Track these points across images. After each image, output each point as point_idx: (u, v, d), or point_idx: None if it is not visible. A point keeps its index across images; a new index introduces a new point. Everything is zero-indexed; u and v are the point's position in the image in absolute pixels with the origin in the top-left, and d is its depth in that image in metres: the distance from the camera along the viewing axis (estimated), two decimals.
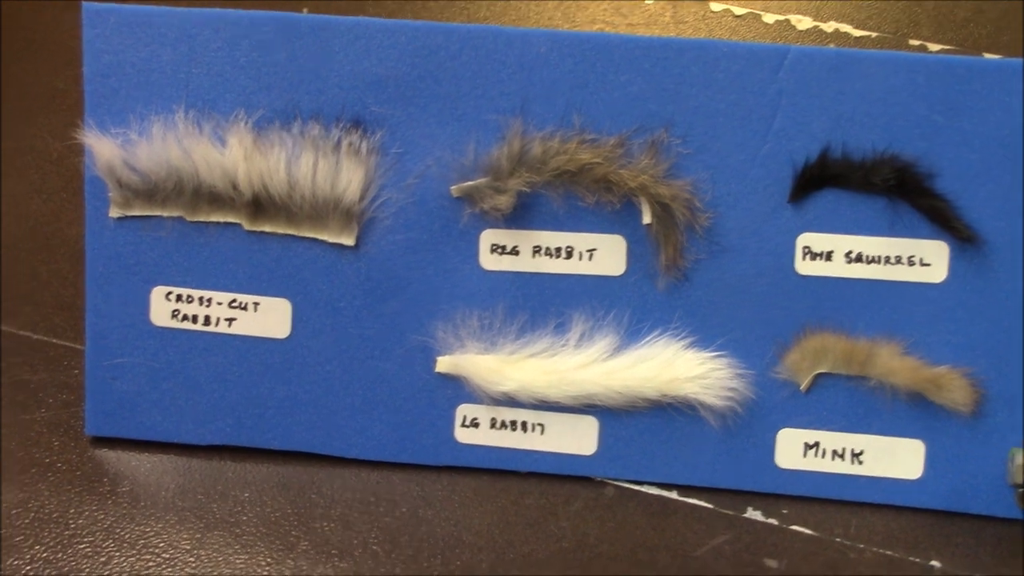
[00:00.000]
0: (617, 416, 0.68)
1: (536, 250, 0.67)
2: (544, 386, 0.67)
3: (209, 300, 0.69)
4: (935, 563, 0.64)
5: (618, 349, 0.68)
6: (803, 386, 0.67)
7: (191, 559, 0.62)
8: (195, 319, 0.69)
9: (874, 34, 0.79)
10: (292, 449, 0.70)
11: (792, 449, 0.68)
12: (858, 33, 0.79)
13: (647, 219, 0.66)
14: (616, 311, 0.68)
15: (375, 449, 0.70)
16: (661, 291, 0.67)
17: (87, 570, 0.61)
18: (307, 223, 0.68)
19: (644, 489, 0.69)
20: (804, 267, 0.66)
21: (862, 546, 0.65)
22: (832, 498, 0.68)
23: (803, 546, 0.65)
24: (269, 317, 0.69)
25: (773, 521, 0.66)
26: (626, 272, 0.67)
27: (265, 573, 0.61)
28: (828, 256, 0.66)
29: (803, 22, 0.80)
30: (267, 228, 0.68)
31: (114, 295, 0.69)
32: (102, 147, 0.67)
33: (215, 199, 0.68)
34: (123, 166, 0.68)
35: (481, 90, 0.66)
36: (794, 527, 0.66)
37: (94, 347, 0.70)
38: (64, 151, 0.83)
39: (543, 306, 0.68)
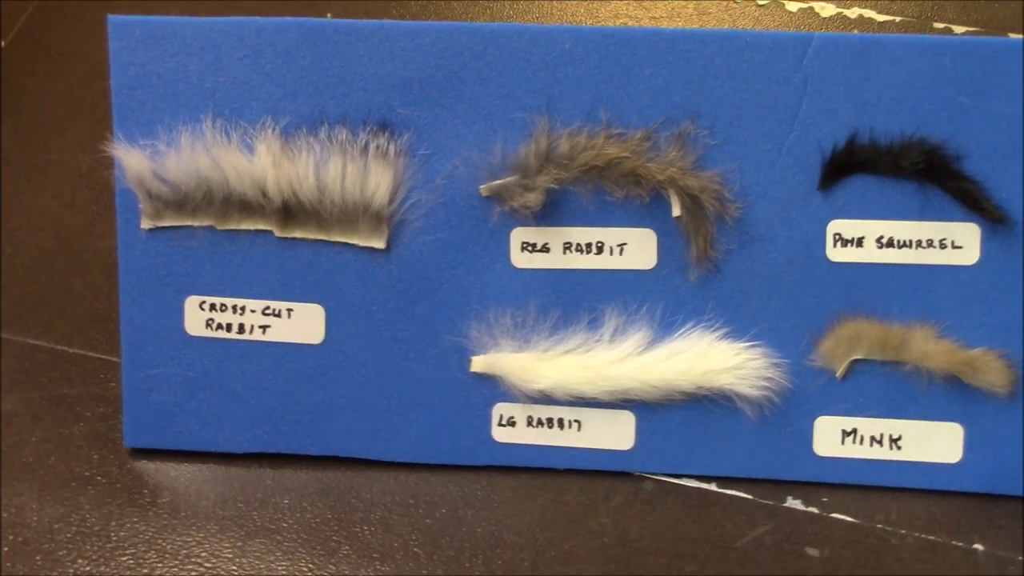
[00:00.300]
0: (653, 410, 0.68)
1: (567, 246, 0.67)
2: (580, 382, 0.67)
3: (242, 308, 0.69)
4: (978, 546, 0.63)
5: (652, 343, 0.68)
6: (839, 373, 0.67)
7: (233, 567, 0.62)
8: (229, 328, 0.69)
9: (898, 18, 0.78)
10: (330, 454, 0.70)
11: (830, 437, 0.67)
12: (882, 18, 0.78)
13: (676, 211, 0.66)
14: (648, 304, 0.68)
15: (413, 451, 0.70)
16: (693, 283, 0.67)
17: None
18: (337, 228, 0.68)
19: (683, 482, 0.69)
20: (835, 254, 0.66)
21: (904, 532, 0.64)
22: (872, 484, 0.68)
23: (844, 534, 0.64)
24: (303, 323, 0.69)
25: (813, 510, 0.66)
26: (657, 265, 0.67)
27: None
28: (859, 242, 0.66)
29: (826, 9, 0.79)
30: (298, 234, 0.68)
31: (148, 306, 0.70)
32: (131, 159, 0.68)
33: (245, 207, 0.68)
34: (153, 177, 0.68)
35: (506, 89, 0.66)
36: (834, 515, 0.66)
37: (130, 359, 0.70)
38: (93, 164, 0.83)
39: (575, 302, 0.68)
